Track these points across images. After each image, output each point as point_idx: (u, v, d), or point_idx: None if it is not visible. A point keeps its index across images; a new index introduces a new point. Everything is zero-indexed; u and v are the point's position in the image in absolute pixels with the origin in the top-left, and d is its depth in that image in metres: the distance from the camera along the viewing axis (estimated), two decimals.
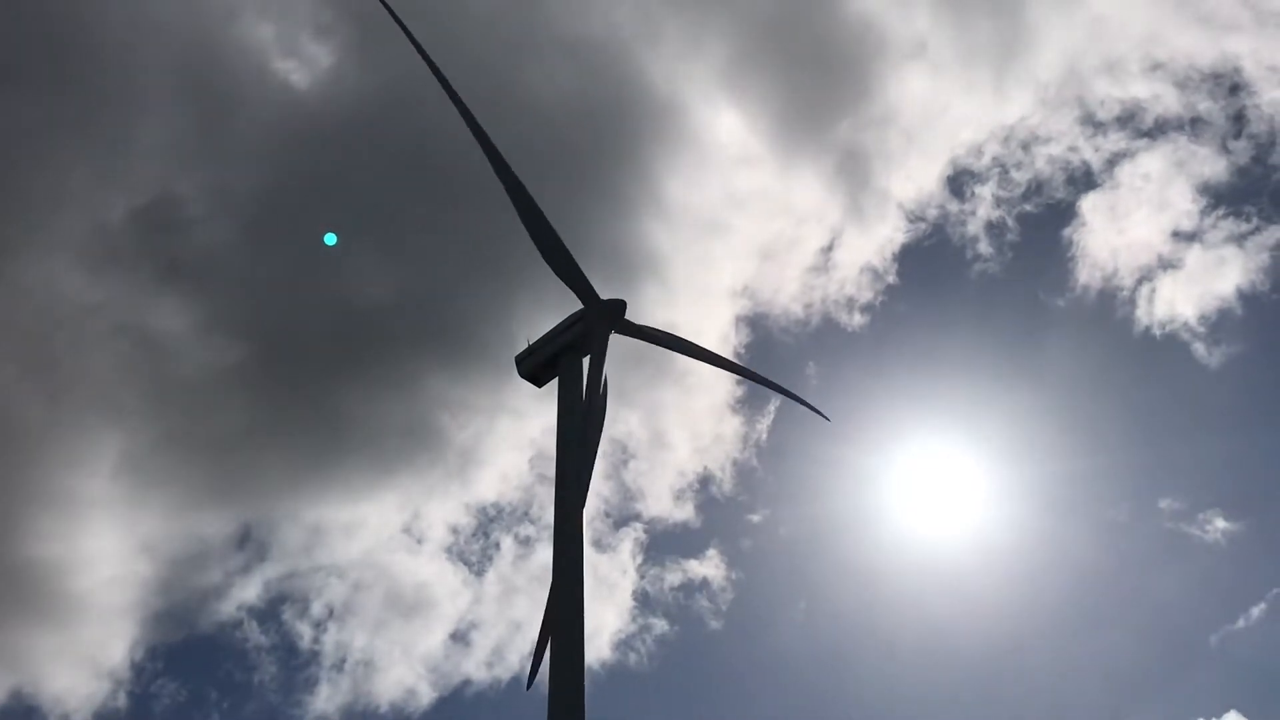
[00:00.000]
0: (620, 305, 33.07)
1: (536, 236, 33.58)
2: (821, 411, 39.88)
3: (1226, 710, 65.41)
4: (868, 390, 78.07)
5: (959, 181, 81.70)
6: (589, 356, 32.60)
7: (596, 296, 33.20)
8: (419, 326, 62.82)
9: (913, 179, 79.90)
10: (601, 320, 32.87)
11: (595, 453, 32.36)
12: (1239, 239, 75.77)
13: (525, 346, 33.99)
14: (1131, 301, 76.45)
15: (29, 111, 64.44)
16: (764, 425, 76.79)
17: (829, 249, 79.54)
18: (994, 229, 79.80)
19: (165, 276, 63.61)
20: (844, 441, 69.05)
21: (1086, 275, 76.93)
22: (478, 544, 73.73)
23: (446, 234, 64.93)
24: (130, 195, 65.65)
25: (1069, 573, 71.58)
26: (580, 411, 31.75)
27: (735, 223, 76.62)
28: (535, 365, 33.69)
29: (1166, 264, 76.86)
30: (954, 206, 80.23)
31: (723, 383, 72.48)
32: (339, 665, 67.70)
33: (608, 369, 33.48)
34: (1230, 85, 75.41)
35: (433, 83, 35.24)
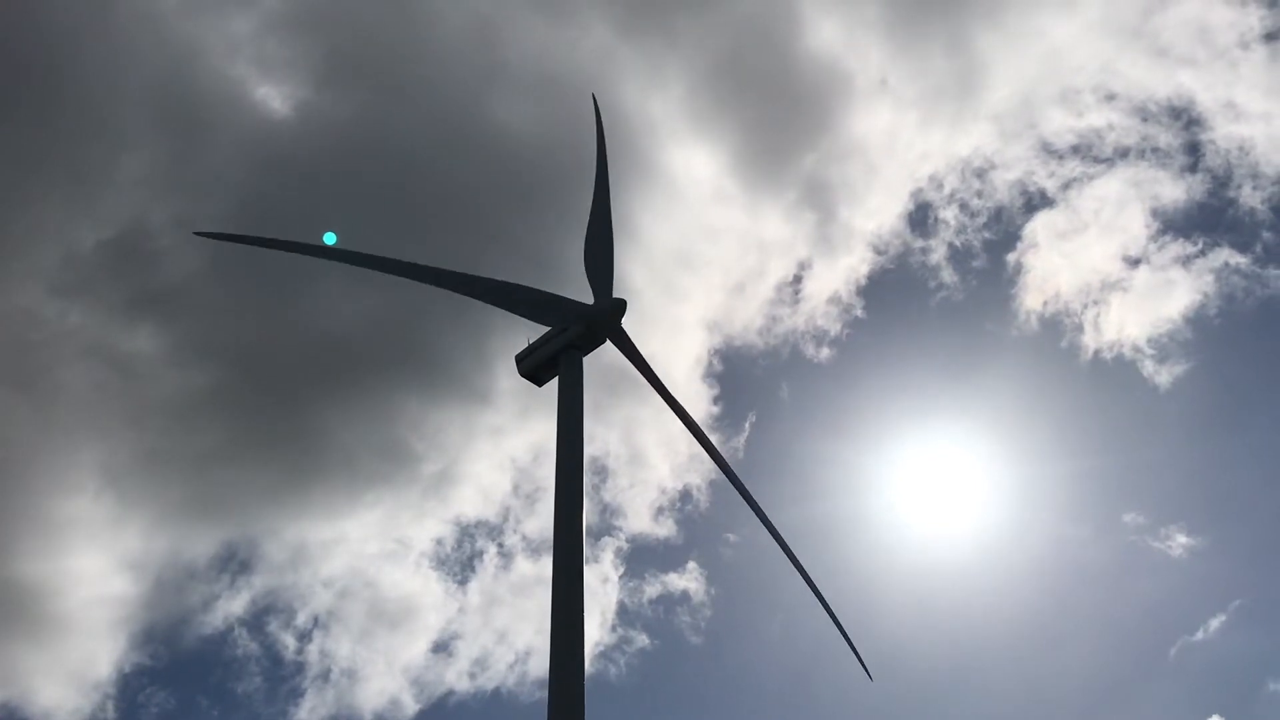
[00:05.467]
0: (621, 305, 34.45)
1: (596, 216, 36.45)
2: (866, 666, 38.58)
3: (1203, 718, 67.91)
4: (838, 411, 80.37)
5: (920, 213, 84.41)
6: (619, 346, 34.54)
7: (579, 303, 34.60)
8: (393, 351, 64.20)
9: (876, 212, 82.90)
10: (610, 315, 34.40)
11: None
12: (1184, 261, 78.99)
13: (526, 346, 34.52)
14: (1079, 327, 79.52)
15: (7, 147, 65.52)
16: (739, 442, 78.17)
17: (797, 281, 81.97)
18: (954, 258, 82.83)
19: (139, 302, 64.63)
20: (817, 461, 71.17)
21: (1042, 299, 79.88)
22: (460, 555, 75.08)
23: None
24: (105, 225, 66.78)
25: (1037, 586, 73.65)
26: (580, 410, 32.87)
27: (707, 255, 79.14)
28: (535, 364, 34.18)
29: (1115, 286, 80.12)
30: (915, 237, 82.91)
31: (700, 402, 73.71)
32: (324, 675, 68.25)
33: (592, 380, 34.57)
34: (1186, 120, 78.86)
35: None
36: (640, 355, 35.10)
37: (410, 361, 64.39)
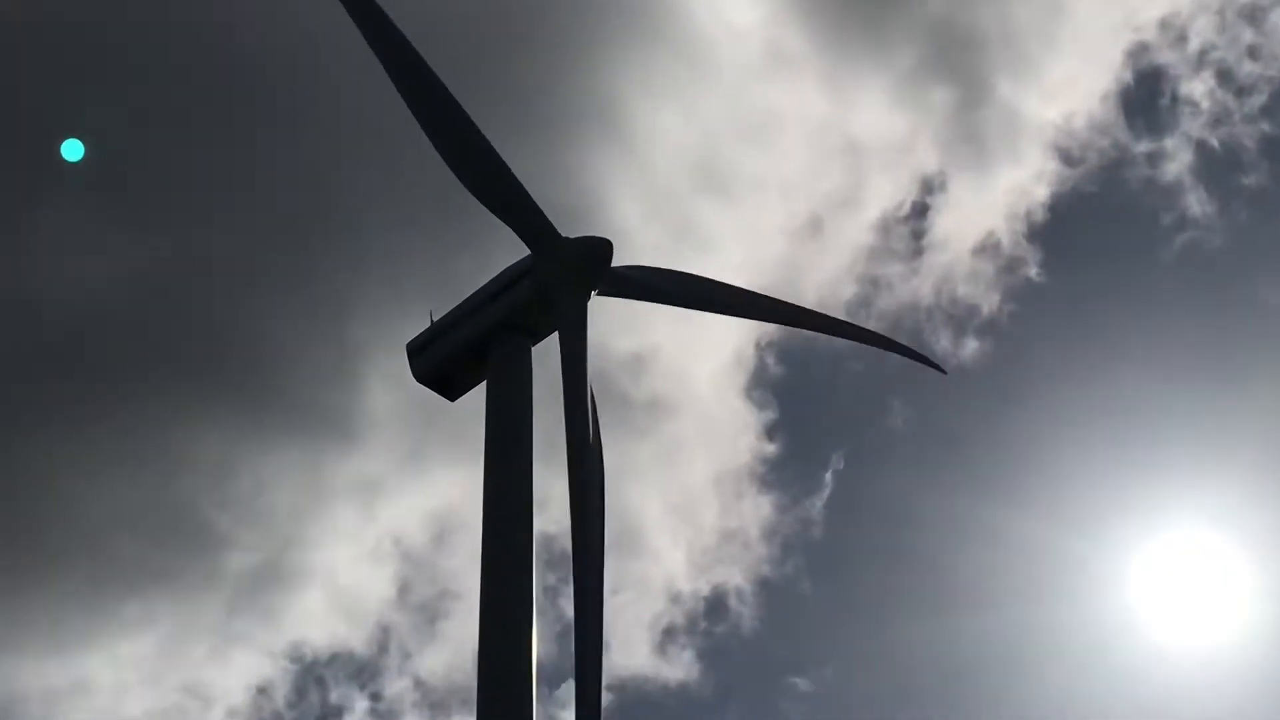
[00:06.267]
0: (601, 248, 19.46)
1: (451, 144, 20.05)
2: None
3: None
4: (997, 449, 49.41)
5: (1144, 87, 50.29)
6: (559, 333, 19.02)
7: (556, 235, 19.71)
8: (175, 346, 38.51)
9: (1063, 88, 50.01)
10: (568, 272, 19.28)
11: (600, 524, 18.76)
12: None
13: (427, 327, 20.30)
14: None
15: None
16: (816, 506, 48.06)
17: (918, 214, 49.20)
18: (1207, 170, 49.81)
19: None
20: (962, 537, 43.03)
21: None
22: (301, 715, 45.21)
23: (225, 184, 39.80)
24: None
25: None
26: (527, 438, 18.46)
27: (753, 168, 47.66)
28: (443, 359, 20.04)
29: None
30: (1135, 132, 49.91)
31: (743, 434, 46.34)
32: None
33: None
34: None
35: None
36: (580, 338, 19.54)
37: (208, 366, 38.28)
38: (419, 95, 19.88)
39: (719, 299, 21.73)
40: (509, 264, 19.79)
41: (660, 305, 21.76)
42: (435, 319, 20.07)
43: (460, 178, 19.64)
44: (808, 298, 44.68)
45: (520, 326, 19.16)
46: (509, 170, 19.48)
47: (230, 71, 38.98)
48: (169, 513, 39.70)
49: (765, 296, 22.64)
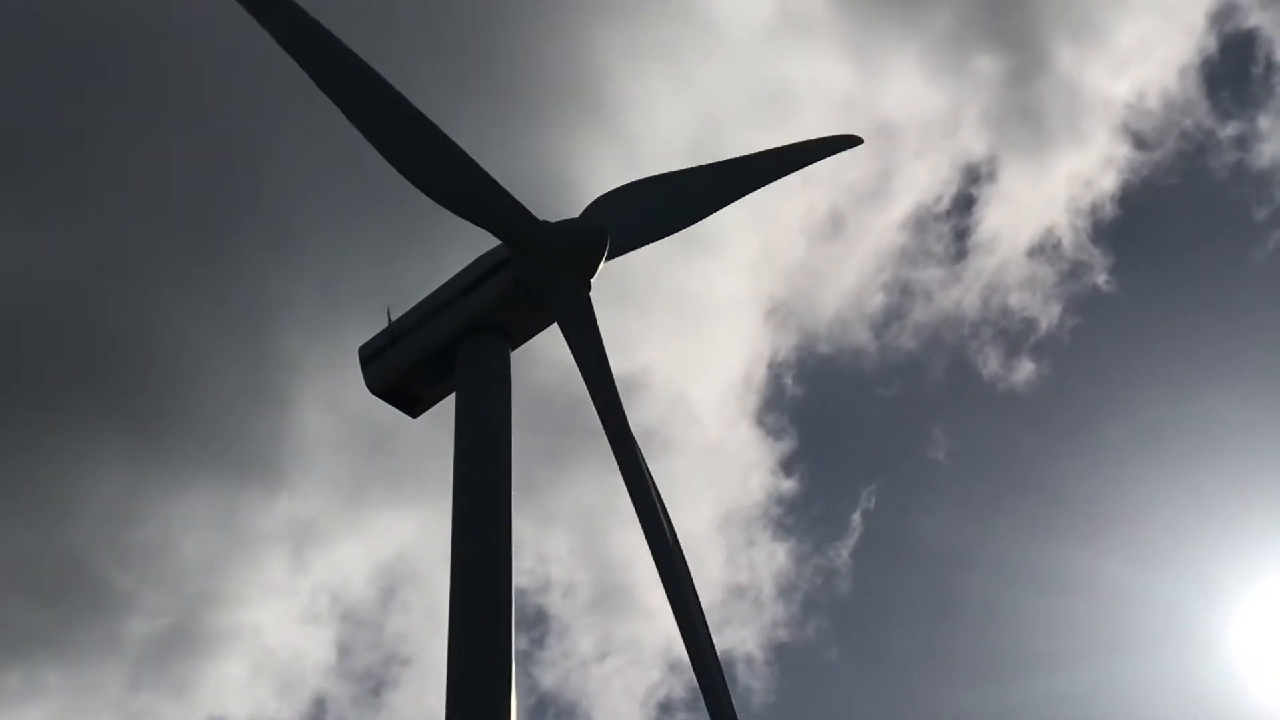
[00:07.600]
0: (596, 237, 15.97)
1: (387, 131, 16.04)
2: None
3: None
4: (1060, 484, 41.53)
5: (1234, 52, 42.62)
6: (566, 331, 15.65)
7: (537, 221, 16.05)
8: (65, 360, 32.96)
9: (1134, 57, 43.07)
10: (559, 266, 15.83)
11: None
12: None
13: (383, 328, 16.89)
14: None
15: None
16: (843, 554, 41.06)
17: (961, 208, 42.58)
18: None
19: None
20: (1025, 581, 36.01)
21: None
22: None
23: (123, 167, 34.27)
24: None
25: None
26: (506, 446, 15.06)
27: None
28: (405, 367, 16.56)
29: None
30: (1221, 109, 42.91)
31: (755, 469, 40.92)
32: None
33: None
34: None
35: None
36: (597, 339, 16.28)
37: (103, 386, 32.96)
38: (337, 80, 15.57)
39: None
40: (471, 258, 16.35)
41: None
42: (392, 320, 16.75)
43: (405, 173, 15.74)
44: (830, 309, 41.80)
45: (498, 326, 16.01)
46: (465, 155, 15.72)
47: (128, 39, 34.36)
48: (57, 566, 34.16)
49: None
